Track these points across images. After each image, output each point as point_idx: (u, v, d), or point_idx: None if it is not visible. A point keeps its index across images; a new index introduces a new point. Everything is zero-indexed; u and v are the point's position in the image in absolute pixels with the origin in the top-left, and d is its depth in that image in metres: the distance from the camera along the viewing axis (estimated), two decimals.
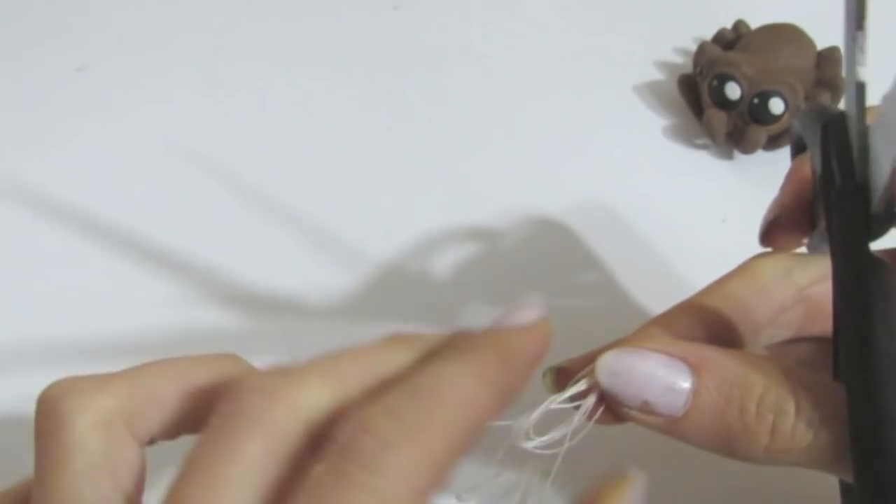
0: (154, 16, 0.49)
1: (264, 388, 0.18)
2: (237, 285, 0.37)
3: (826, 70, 0.44)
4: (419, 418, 0.17)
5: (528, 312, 0.20)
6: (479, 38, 0.49)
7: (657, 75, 0.47)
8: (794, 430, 0.20)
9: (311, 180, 0.41)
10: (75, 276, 0.37)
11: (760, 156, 0.42)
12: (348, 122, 0.44)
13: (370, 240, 0.38)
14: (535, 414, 0.21)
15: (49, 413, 0.19)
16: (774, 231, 0.26)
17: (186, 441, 0.19)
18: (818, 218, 0.25)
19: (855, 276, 0.20)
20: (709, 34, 0.47)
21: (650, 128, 0.45)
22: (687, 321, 0.23)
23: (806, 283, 0.24)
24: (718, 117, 0.42)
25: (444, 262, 0.38)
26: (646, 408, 0.21)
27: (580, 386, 0.22)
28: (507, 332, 0.20)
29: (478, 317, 0.36)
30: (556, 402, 0.22)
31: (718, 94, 0.42)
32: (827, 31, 0.42)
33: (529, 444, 0.21)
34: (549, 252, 0.39)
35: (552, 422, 0.21)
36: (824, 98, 0.43)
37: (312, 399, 0.18)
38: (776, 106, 0.41)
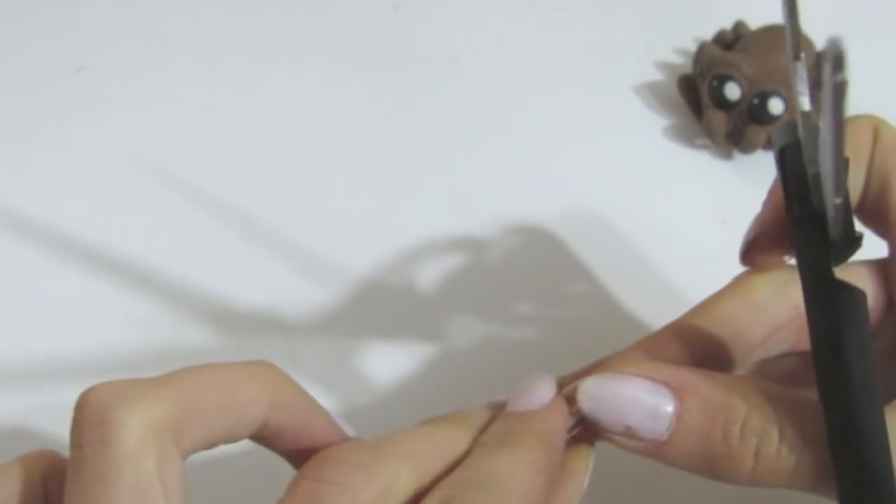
0: (154, 16, 0.49)
1: (362, 464, 0.19)
2: (232, 293, 0.37)
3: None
4: None
5: (546, 388, 0.22)
6: (478, 38, 0.49)
7: (657, 75, 0.47)
8: (777, 454, 0.20)
9: (312, 181, 0.41)
10: (79, 287, 0.37)
11: (760, 156, 0.42)
12: (348, 122, 0.44)
13: (363, 245, 0.38)
14: None
15: (95, 419, 0.17)
16: (753, 252, 0.25)
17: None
18: None
19: (821, 304, 0.20)
20: (709, 34, 0.47)
21: (650, 128, 0.45)
22: (673, 344, 0.23)
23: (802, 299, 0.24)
24: (718, 117, 0.42)
25: (438, 271, 0.38)
26: (628, 433, 0.21)
27: None
28: (540, 416, 0.22)
29: (471, 327, 0.36)
30: None
31: (718, 95, 0.42)
32: (827, 32, 0.42)
33: None
34: (548, 253, 0.39)
35: None
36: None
37: (401, 480, 0.19)
38: (776, 106, 0.41)
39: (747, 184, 0.42)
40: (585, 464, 0.22)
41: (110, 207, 0.39)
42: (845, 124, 0.17)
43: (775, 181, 0.26)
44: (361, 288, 0.37)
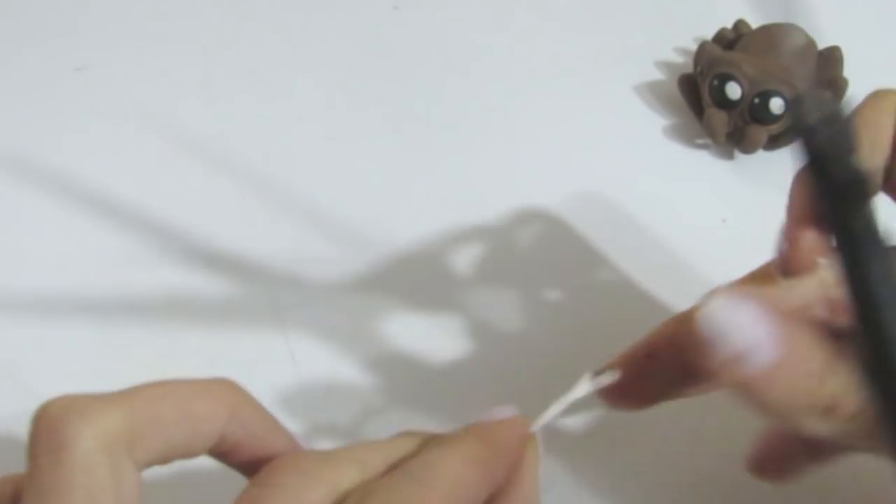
0: (154, 16, 0.49)
1: (308, 468, 0.20)
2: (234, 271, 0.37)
3: (827, 70, 0.44)
4: (417, 493, 0.20)
5: (505, 410, 0.23)
6: (479, 38, 0.49)
7: (657, 75, 0.47)
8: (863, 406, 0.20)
9: (310, 181, 0.41)
10: (93, 270, 0.37)
11: (761, 156, 0.42)
12: (348, 122, 0.44)
13: (363, 245, 0.38)
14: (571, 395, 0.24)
15: (50, 432, 0.18)
16: (792, 260, 0.24)
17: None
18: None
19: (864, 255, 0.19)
20: (709, 34, 0.47)
21: (650, 128, 0.45)
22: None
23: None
24: (719, 117, 0.42)
25: (438, 270, 0.38)
26: (733, 360, 0.20)
27: (611, 376, 0.24)
28: (489, 423, 0.23)
29: (469, 330, 0.36)
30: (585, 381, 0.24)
31: (719, 94, 0.42)
32: (827, 31, 0.42)
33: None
34: (547, 253, 0.39)
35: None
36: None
37: (346, 482, 0.20)
38: (777, 106, 0.41)
39: (748, 183, 0.42)
40: (534, 451, 0.23)
41: (110, 207, 0.39)
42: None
43: (792, 196, 0.25)
44: (383, 274, 0.37)
